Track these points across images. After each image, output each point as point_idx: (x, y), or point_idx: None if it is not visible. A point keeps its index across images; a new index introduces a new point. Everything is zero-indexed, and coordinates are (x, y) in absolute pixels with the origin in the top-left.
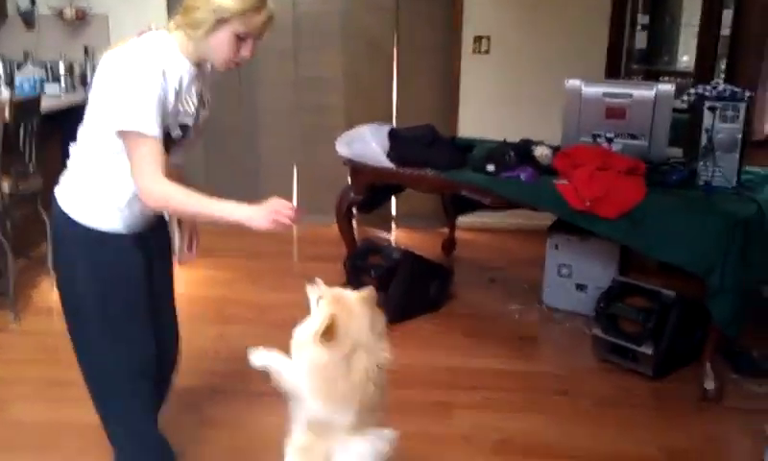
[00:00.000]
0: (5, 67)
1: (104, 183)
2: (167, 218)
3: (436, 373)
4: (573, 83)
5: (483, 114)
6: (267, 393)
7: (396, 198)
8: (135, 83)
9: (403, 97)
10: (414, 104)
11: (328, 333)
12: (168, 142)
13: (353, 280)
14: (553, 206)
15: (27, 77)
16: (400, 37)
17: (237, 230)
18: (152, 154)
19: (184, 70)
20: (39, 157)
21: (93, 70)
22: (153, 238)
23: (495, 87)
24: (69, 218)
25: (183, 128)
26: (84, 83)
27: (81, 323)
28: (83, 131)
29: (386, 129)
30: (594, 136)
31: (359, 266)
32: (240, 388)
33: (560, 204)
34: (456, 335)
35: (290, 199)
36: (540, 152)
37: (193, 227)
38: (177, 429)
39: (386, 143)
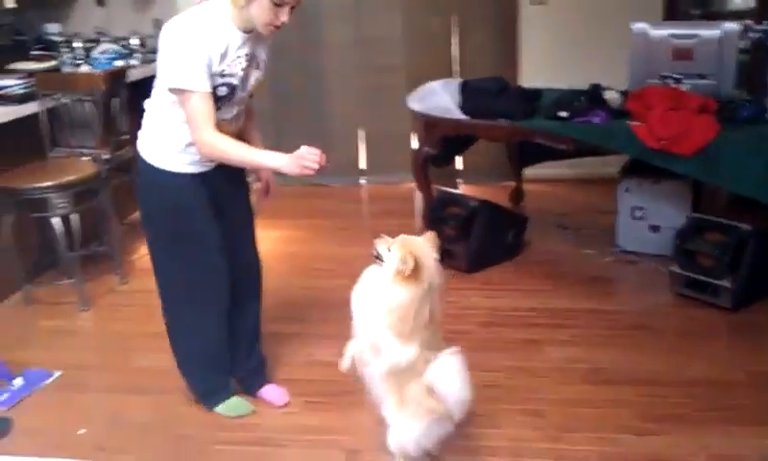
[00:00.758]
0: (84, 45)
1: (165, 130)
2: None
3: (521, 313)
4: (639, 26)
5: (545, 63)
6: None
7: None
8: (183, 45)
9: (464, 52)
10: (475, 58)
11: (417, 271)
12: (216, 99)
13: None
14: (628, 146)
15: (104, 52)
16: None
17: (310, 193)
18: (201, 107)
19: (231, 35)
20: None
21: None
22: (220, 178)
23: (556, 36)
24: (145, 161)
25: (230, 87)
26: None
27: (156, 248)
28: (153, 89)
29: (455, 83)
30: (662, 78)
31: (438, 217)
32: (329, 333)
33: (635, 144)
34: (536, 279)
35: (357, 160)
36: (610, 95)
37: (269, 175)
38: (275, 369)
39: (457, 96)
